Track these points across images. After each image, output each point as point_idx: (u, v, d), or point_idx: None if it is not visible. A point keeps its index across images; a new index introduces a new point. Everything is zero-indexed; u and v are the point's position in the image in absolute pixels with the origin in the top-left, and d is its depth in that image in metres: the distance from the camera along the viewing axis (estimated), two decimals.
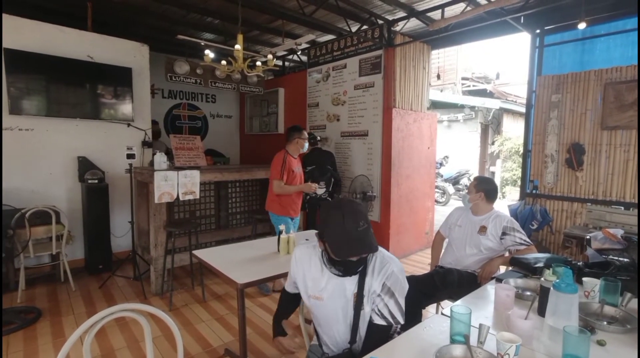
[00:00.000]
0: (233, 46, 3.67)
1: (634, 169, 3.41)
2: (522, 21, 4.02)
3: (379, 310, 1.36)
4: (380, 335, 1.37)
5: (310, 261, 1.47)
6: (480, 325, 1.24)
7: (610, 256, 1.83)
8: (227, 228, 4.67)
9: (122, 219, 4.33)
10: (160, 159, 3.49)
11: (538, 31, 4.06)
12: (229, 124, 7.36)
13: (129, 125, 4.41)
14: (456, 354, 1.19)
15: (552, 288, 1.29)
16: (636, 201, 3.40)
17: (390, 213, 4.50)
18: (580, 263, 1.87)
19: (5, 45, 3.56)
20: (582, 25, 3.39)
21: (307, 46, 5.54)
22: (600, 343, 1.29)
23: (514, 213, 4.11)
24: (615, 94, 3.47)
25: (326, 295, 1.41)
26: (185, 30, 5.14)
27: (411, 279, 2.12)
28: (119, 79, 4.26)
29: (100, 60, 4.15)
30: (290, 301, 1.64)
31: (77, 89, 4.05)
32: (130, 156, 3.60)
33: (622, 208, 3.45)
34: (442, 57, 12.39)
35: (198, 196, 3.64)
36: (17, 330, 2.77)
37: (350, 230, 1.24)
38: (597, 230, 3.03)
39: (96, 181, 3.98)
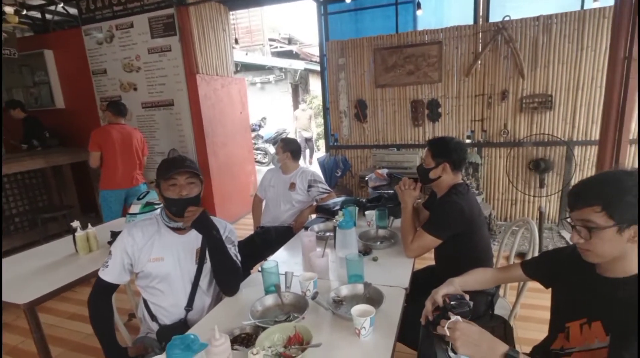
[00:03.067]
0: None
1: (400, 118, 4.35)
2: None
3: None
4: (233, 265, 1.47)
5: (146, 229, 1.47)
6: (286, 272, 1.41)
7: (382, 191, 2.34)
8: (6, 237, 3.66)
9: None
10: None
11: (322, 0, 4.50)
12: None
13: None
14: (268, 303, 1.33)
15: (337, 227, 1.56)
16: (405, 143, 4.39)
17: (211, 184, 4.41)
18: (364, 200, 2.33)
19: None
20: None
21: None
22: (374, 259, 1.67)
23: (322, 164, 4.71)
24: (382, 58, 4.26)
25: (168, 253, 1.44)
26: None
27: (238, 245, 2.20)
28: None
29: None
30: (109, 299, 1.49)
31: None
32: None
33: (395, 149, 4.42)
34: (247, 18, 12.33)
35: None
36: None
37: (172, 158, 1.46)
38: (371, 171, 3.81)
39: None
